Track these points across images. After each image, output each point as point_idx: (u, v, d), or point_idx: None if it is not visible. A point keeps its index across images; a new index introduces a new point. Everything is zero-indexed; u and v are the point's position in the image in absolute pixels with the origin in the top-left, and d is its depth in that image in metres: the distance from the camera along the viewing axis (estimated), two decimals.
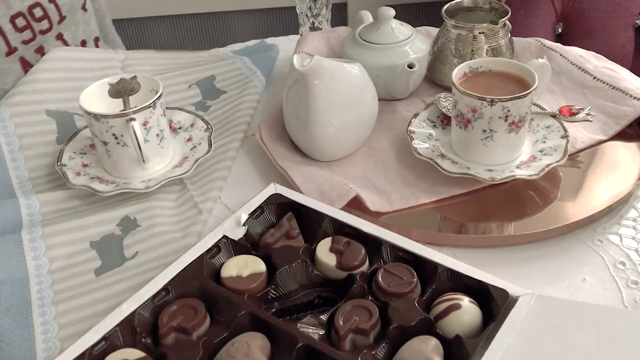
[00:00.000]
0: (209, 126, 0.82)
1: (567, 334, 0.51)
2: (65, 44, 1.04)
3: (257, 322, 0.54)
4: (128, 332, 0.53)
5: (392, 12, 0.86)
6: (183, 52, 1.05)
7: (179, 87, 0.95)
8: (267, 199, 0.67)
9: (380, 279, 0.56)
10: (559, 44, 0.94)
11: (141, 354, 0.51)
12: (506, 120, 0.68)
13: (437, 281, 0.56)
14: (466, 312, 0.53)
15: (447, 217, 0.70)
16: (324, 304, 0.58)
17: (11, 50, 0.95)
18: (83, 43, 1.09)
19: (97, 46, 1.12)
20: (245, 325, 0.54)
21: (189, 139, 0.82)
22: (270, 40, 1.07)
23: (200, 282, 0.57)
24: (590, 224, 0.68)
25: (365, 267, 0.59)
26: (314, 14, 0.98)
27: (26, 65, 0.99)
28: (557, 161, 0.70)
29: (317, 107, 0.72)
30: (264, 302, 0.57)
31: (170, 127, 0.81)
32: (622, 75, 0.86)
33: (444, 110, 0.79)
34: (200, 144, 0.80)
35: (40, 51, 1.00)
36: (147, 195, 0.75)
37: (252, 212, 0.65)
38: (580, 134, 0.78)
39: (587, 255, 0.64)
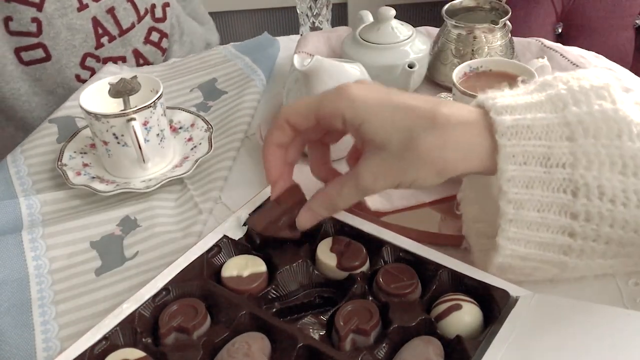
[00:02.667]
0: (210, 126, 0.82)
1: (567, 334, 0.51)
2: (135, 6, 1.05)
3: (257, 322, 0.54)
4: (128, 332, 0.53)
5: (393, 12, 0.86)
6: (185, 58, 1.05)
7: (181, 92, 0.95)
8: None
9: (380, 280, 0.56)
10: (559, 44, 0.94)
11: (141, 354, 0.51)
12: None
13: (437, 281, 0.56)
14: (467, 312, 0.53)
15: (447, 217, 0.70)
16: (325, 304, 0.58)
17: (82, 6, 0.96)
18: (152, 7, 1.09)
19: (164, 12, 1.11)
20: (245, 325, 0.54)
21: (190, 139, 0.82)
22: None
23: (201, 282, 0.57)
24: None
25: (365, 268, 0.59)
26: (315, 13, 0.98)
27: (97, 25, 0.99)
28: None
29: None
30: (265, 302, 0.57)
31: (170, 127, 0.81)
32: (622, 76, 0.86)
33: None
34: (200, 143, 0.80)
35: (111, 12, 1.01)
36: (147, 195, 0.75)
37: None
38: None
39: None
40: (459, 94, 0.69)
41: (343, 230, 0.62)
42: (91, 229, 0.71)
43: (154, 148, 0.76)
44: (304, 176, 0.73)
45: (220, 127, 0.86)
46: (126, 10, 1.04)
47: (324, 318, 0.55)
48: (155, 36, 1.11)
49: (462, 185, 0.62)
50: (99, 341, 0.52)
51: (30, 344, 0.59)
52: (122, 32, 1.04)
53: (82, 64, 1.03)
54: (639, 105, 0.53)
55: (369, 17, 0.90)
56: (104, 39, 1.02)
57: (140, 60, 1.10)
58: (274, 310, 0.57)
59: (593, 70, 0.56)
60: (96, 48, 1.03)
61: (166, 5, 1.12)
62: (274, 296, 0.58)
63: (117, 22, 1.03)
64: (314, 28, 1.00)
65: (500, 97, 0.54)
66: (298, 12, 1.00)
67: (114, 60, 1.06)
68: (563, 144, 0.51)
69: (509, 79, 0.72)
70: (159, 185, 0.74)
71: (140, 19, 1.07)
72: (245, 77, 0.96)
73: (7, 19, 0.95)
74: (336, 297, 0.58)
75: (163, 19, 1.11)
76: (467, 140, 0.51)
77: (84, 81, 1.03)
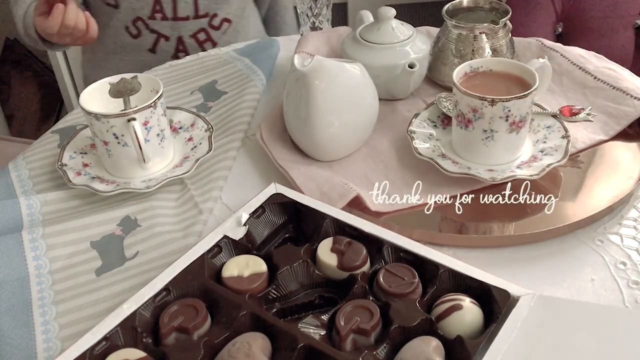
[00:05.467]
0: (210, 126, 0.82)
1: (568, 334, 0.51)
2: (196, 5, 1.18)
3: (258, 322, 0.54)
4: (129, 332, 0.53)
5: (393, 12, 0.86)
6: (186, 59, 1.05)
7: (182, 95, 0.95)
8: (268, 198, 0.67)
9: (381, 279, 0.56)
10: (559, 44, 0.94)
11: (142, 354, 0.51)
12: (507, 120, 0.68)
13: (438, 281, 0.56)
14: (467, 312, 0.53)
15: (447, 217, 0.70)
16: (325, 304, 0.58)
17: None
18: (213, 15, 1.20)
19: (221, 25, 1.22)
20: (246, 326, 0.54)
21: (190, 139, 0.82)
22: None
23: (201, 282, 0.57)
24: (590, 224, 0.68)
25: (366, 268, 0.59)
26: (315, 13, 0.98)
27: (157, 3, 1.17)
28: (558, 161, 0.70)
29: (317, 107, 0.72)
30: (265, 302, 0.57)
31: (170, 127, 0.81)
32: (623, 75, 0.86)
33: (444, 110, 0.79)
34: (200, 143, 0.80)
35: None
36: (147, 195, 0.75)
37: (253, 212, 0.65)
38: (581, 134, 0.78)
39: (587, 256, 0.64)
40: (460, 94, 0.69)
41: (343, 230, 0.62)
42: (91, 228, 0.71)
43: (154, 148, 0.76)
44: (305, 177, 0.73)
45: (220, 127, 0.86)
46: (187, 4, 1.17)
47: (324, 318, 0.55)
48: (202, 36, 1.21)
49: None
50: (100, 341, 0.52)
51: (30, 344, 0.59)
52: (175, 18, 1.17)
53: (133, 23, 1.18)
54: None
55: (369, 17, 0.90)
56: (158, 15, 1.17)
57: (180, 47, 1.21)
58: (275, 310, 0.57)
59: None
60: (149, 18, 1.17)
61: (226, 20, 1.22)
62: (275, 296, 0.58)
63: (174, 8, 1.16)
64: (314, 28, 1.00)
65: None
66: (298, 12, 1.00)
67: (159, 35, 1.19)
68: None
69: (510, 79, 0.73)
70: (159, 185, 0.74)
71: (196, 17, 1.18)
72: (245, 77, 0.96)
73: None
74: (337, 297, 0.58)
75: (217, 28, 1.21)
76: None
77: (130, 34, 1.19)
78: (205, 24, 1.19)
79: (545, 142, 0.74)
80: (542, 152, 0.73)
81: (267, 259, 0.60)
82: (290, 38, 1.09)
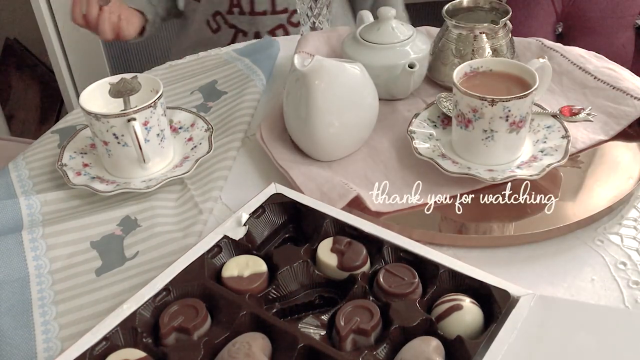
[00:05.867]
0: (210, 126, 0.82)
1: (568, 334, 0.51)
2: (273, 1, 1.20)
3: (258, 323, 0.54)
4: (129, 332, 0.53)
5: (393, 11, 0.86)
6: (185, 59, 1.05)
7: (181, 95, 0.95)
8: (268, 198, 0.67)
9: (381, 280, 0.56)
10: (559, 44, 0.94)
11: (142, 354, 0.51)
12: (507, 120, 0.68)
13: (438, 282, 0.56)
14: (467, 312, 0.53)
15: (447, 217, 0.70)
16: (325, 304, 0.58)
17: None
18: (293, 12, 1.21)
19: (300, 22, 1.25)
20: (246, 326, 0.54)
21: (190, 139, 0.82)
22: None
23: (201, 282, 0.57)
24: (590, 224, 0.68)
25: (366, 268, 0.59)
26: (315, 13, 0.98)
27: None
28: (558, 161, 0.70)
29: (317, 107, 0.72)
30: (265, 302, 0.57)
31: (170, 127, 0.81)
32: (623, 75, 0.86)
33: (444, 110, 0.79)
34: (200, 143, 0.80)
35: None
36: (147, 195, 0.75)
37: (253, 212, 0.65)
38: (581, 134, 0.78)
39: (587, 256, 0.64)
40: (460, 94, 0.69)
41: (344, 231, 0.62)
42: (91, 228, 0.71)
43: (154, 148, 0.76)
44: (305, 177, 0.73)
45: (220, 127, 0.86)
46: None
47: (324, 318, 0.55)
48: (280, 33, 1.21)
49: None
50: (100, 341, 0.52)
51: (30, 344, 0.59)
52: (253, 13, 1.18)
53: (213, 17, 1.21)
54: None
55: (369, 17, 0.90)
56: (236, 10, 1.19)
57: None
58: (275, 310, 0.57)
59: None
60: (227, 13, 1.19)
61: None
62: (275, 296, 0.58)
63: (251, 3, 1.18)
64: (314, 28, 1.00)
65: None
66: (298, 12, 1.00)
67: (237, 30, 1.21)
68: None
69: (510, 79, 0.73)
70: (159, 185, 0.74)
71: (273, 12, 1.19)
72: (245, 77, 0.96)
73: None
74: (337, 297, 0.58)
75: (296, 25, 1.21)
76: None
77: (210, 27, 1.23)
78: (284, 20, 1.19)
79: (545, 142, 0.74)
80: (542, 152, 0.73)
81: (267, 259, 0.60)
82: (290, 38, 1.09)
